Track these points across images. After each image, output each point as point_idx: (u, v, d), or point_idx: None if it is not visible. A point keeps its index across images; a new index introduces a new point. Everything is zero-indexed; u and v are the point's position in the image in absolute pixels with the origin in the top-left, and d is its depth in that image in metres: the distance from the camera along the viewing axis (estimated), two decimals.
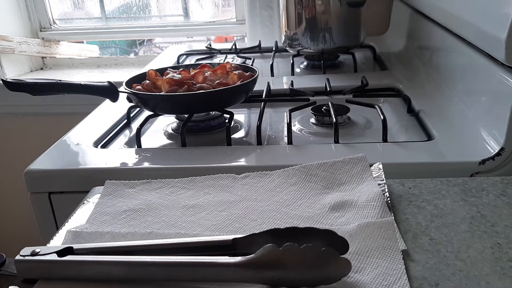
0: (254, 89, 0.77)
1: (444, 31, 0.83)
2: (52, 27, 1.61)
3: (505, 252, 0.40)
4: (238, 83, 0.73)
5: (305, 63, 1.11)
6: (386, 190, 0.49)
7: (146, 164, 0.64)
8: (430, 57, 0.91)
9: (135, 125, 0.82)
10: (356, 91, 0.84)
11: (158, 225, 0.47)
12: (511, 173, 0.57)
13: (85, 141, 0.73)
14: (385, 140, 0.67)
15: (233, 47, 1.24)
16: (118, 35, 1.64)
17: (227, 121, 0.73)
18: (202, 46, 1.32)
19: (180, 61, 1.22)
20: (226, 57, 1.18)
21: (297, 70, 1.09)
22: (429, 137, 0.68)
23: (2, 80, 0.71)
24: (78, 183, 0.64)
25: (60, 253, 0.40)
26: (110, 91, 0.74)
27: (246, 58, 1.16)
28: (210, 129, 0.77)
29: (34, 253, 0.40)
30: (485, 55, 0.65)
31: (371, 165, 0.54)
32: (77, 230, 0.46)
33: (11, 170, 1.48)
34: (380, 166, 0.53)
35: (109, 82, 0.75)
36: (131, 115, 0.84)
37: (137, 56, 1.70)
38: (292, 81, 0.91)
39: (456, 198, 0.49)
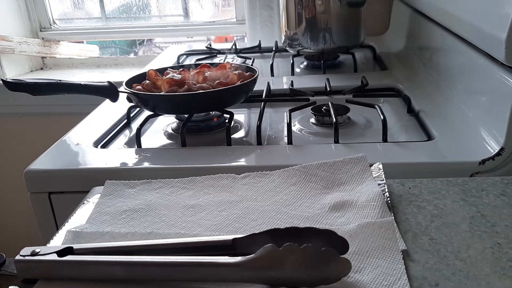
0: (254, 89, 0.77)
1: (444, 31, 0.83)
2: (52, 27, 1.61)
3: (505, 252, 0.40)
4: (238, 83, 0.73)
5: (305, 63, 1.11)
6: (386, 190, 0.49)
7: (146, 164, 0.64)
8: (430, 57, 0.91)
9: (135, 125, 0.82)
10: (356, 91, 0.84)
11: (158, 225, 0.47)
12: (511, 173, 0.57)
13: (85, 141, 0.73)
14: (385, 140, 0.67)
15: (233, 47, 1.24)
16: (118, 35, 1.64)
17: (227, 121, 0.73)
18: (202, 46, 1.33)
19: (180, 61, 1.22)
20: (226, 57, 1.18)
21: (297, 70, 1.09)
22: (429, 137, 0.68)
23: (2, 80, 0.71)
24: (78, 183, 0.64)
25: (60, 253, 0.40)
26: (110, 91, 0.74)
27: (246, 58, 1.16)
28: (210, 129, 0.77)
29: (34, 253, 0.40)
30: (485, 55, 0.65)
31: (371, 165, 0.54)
32: (77, 230, 0.46)
33: (11, 170, 1.49)
34: (380, 166, 0.53)
35: (109, 82, 0.75)
36: (131, 115, 0.84)
37: (137, 56, 1.70)
38: (292, 81, 0.91)
39: (456, 198, 0.49)
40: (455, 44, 0.77)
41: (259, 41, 1.28)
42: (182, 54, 1.26)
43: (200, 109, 0.74)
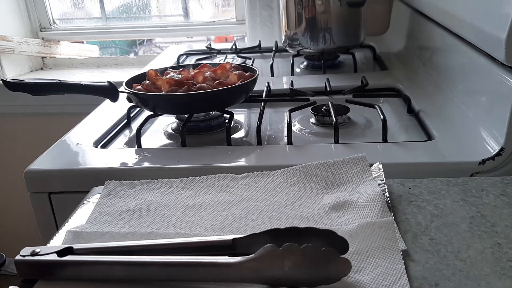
0: (254, 89, 0.77)
1: (444, 31, 0.83)
2: (52, 27, 1.61)
3: (505, 252, 0.40)
4: (238, 83, 0.73)
5: (305, 63, 1.11)
6: (386, 190, 0.49)
7: (146, 164, 0.64)
8: (430, 57, 0.91)
9: (135, 125, 0.82)
10: (356, 91, 0.84)
11: (158, 225, 0.47)
12: (511, 173, 0.57)
13: (85, 141, 0.73)
14: (385, 140, 0.67)
15: (233, 47, 1.24)
16: (118, 35, 1.64)
17: (227, 121, 0.73)
18: (202, 46, 1.32)
19: (180, 61, 1.22)
20: (226, 57, 1.18)
21: (297, 70, 1.09)
22: (429, 137, 0.68)
23: (2, 80, 0.71)
24: (78, 183, 0.64)
25: (60, 253, 0.40)
26: (110, 91, 0.74)
27: (246, 58, 1.16)
28: (210, 129, 0.77)
29: (34, 253, 0.40)
30: (485, 55, 0.65)
31: (371, 165, 0.54)
32: (77, 230, 0.46)
33: (11, 170, 1.48)
34: (380, 166, 0.53)
35: (109, 82, 0.75)
36: (131, 115, 0.84)
37: (137, 56, 1.70)
38: (292, 81, 0.91)
39: (456, 198, 0.49)
40: (455, 44, 0.77)
41: (259, 41, 1.28)
42: (182, 54, 1.26)
43: (200, 109, 0.74)
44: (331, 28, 1.00)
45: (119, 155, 0.68)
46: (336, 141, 0.67)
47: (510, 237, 0.42)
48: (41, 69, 1.65)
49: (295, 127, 0.77)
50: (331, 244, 0.37)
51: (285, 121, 0.74)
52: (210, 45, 1.29)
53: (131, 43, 1.86)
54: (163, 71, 0.81)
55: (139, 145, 0.71)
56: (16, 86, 0.67)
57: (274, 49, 1.20)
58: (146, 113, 0.78)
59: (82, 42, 1.68)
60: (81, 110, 0.89)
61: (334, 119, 0.68)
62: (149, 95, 0.72)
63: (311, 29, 1.01)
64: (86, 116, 0.85)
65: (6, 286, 0.39)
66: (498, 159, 0.57)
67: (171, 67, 0.83)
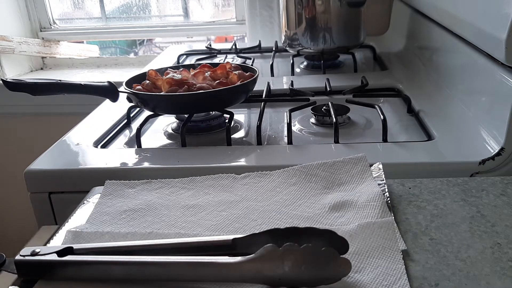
0: (254, 89, 0.77)
1: (444, 31, 0.83)
2: (52, 27, 1.61)
3: (505, 252, 0.40)
4: (238, 83, 0.73)
5: (305, 63, 1.11)
6: (386, 190, 0.49)
7: (146, 164, 0.64)
8: (430, 57, 0.91)
9: (135, 125, 0.82)
10: (356, 91, 0.84)
11: (158, 225, 0.47)
12: (511, 173, 0.57)
13: (85, 141, 0.73)
14: (385, 140, 0.67)
15: (233, 47, 1.24)
16: (118, 35, 1.64)
17: (227, 121, 0.73)
18: (202, 46, 1.32)
19: (180, 61, 1.22)
20: (226, 57, 1.18)
21: (297, 70, 1.09)
22: (429, 137, 0.68)
23: (2, 80, 0.71)
24: (78, 183, 0.64)
25: (60, 253, 0.40)
26: (110, 91, 0.74)
27: (246, 58, 1.15)
28: (210, 129, 0.77)
29: (34, 253, 0.40)
30: (485, 55, 0.65)
31: (371, 165, 0.54)
32: (77, 230, 0.46)
33: (11, 170, 1.48)
34: (380, 166, 0.53)
35: (109, 82, 0.75)
36: (131, 115, 0.84)
37: (137, 56, 1.70)
38: (292, 81, 0.91)
39: (456, 198, 0.49)
40: (455, 44, 0.77)
41: (259, 41, 1.28)
42: (182, 54, 1.26)
43: (200, 109, 0.74)
44: (331, 28, 1.00)
45: (119, 155, 0.68)
46: (336, 141, 0.67)
47: (510, 237, 0.42)
48: (41, 69, 1.65)
49: (295, 127, 0.77)
50: (331, 244, 0.37)
51: (285, 121, 0.73)
52: (210, 45, 1.29)
53: (131, 43, 1.86)
54: (163, 71, 0.81)
55: (139, 145, 0.71)
56: (16, 86, 0.67)
57: (274, 49, 1.20)
58: (146, 113, 0.78)
59: (82, 42, 1.68)
60: (81, 110, 0.89)
61: (334, 119, 0.68)
62: (149, 95, 0.72)
63: (311, 29, 1.01)
64: (86, 116, 0.85)
65: (6, 286, 0.39)
66: (498, 159, 0.57)
67: (171, 67, 0.83)
